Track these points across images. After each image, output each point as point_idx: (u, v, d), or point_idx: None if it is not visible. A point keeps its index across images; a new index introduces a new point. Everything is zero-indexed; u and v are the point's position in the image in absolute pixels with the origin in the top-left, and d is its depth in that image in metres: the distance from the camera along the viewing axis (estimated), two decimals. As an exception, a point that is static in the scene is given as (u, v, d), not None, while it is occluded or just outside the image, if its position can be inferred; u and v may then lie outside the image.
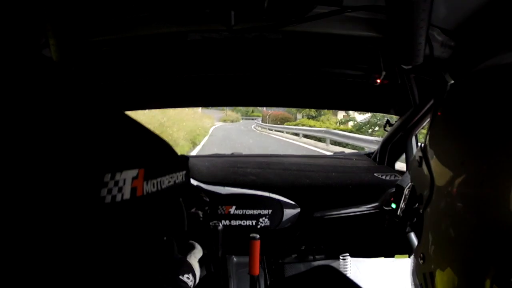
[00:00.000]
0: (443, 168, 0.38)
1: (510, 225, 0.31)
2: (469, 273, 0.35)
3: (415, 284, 0.45)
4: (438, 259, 0.39)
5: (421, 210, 0.43)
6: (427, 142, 0.42)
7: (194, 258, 0.70)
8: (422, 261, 0.42)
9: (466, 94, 0.40)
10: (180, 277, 0.61)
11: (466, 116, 0.37)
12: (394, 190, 1.11)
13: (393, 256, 1.13)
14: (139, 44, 0.96)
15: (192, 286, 0.64)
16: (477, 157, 0.34)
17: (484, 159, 0.33)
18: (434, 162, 0.40)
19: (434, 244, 0.40)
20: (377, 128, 11.78)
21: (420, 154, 0.44)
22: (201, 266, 0.70)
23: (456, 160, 0.36)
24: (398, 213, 1.08)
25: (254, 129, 21.52)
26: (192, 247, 0.73)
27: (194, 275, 0.66)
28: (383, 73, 1.02)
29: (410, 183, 1.07)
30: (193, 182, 1.17)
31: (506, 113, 0.33)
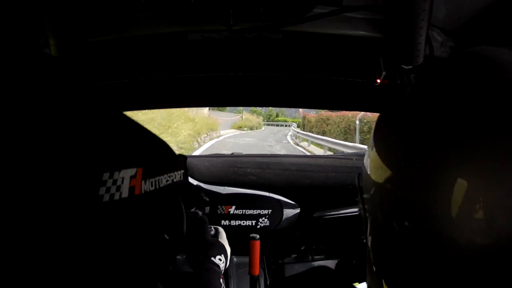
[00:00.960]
0: (380, 163, 0.33)
1: (444, 234, 0.25)
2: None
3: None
4: (369, 275, 0.37)
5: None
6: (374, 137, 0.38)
7: (224, 239, 0.70)
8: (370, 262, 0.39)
9: (415, 87, 0.37)
10: (212, 258, 0.61)
11: (409, 109, 0.33)
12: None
13: None
14: (139, 44, 0.96)
15: (223, 268, 0.64)
16: (416, 156, 0.28)
17: (425, 159, 0.27)
18: (372, 154, 0.35)
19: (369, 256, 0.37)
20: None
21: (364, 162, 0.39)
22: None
23: (393, 157, 0.32)
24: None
25: (294, 145, 12.82)
26: (217, 230, 0.73)
27: (226, 256, 0.66)
28: (383, 73, 1.02)
29: None
30: (193, 182, 1.17)
31: (450, 112, 0.27)
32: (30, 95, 0.25)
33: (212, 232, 0.73)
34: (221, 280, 0.61)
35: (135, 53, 1.06)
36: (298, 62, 1.18)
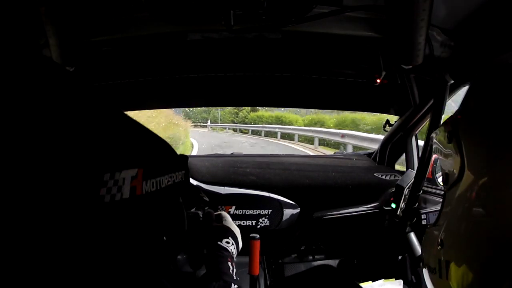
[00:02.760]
0: (473, 160, 0.36)
1: None
2: (485, 277, 0.33)
3: (426, 265, 0.43)
4: (456, 252, 0.37)
5: (446, 189, 0.41)
6: (458, 120, 0.40)
7: (229, 222, 0.68)
8: (440, 247, 0.40)
9: (486, 95, 0.38)
10: (219, 243, 0.60)
11: (489, 118, 0.36)
12: (394, 190, 1.12)
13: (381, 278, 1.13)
14: (139, 44, 0.96)
15: (234, 249, 0.62)
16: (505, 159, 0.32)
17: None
18: (466, 148, 0.37)
19: (453, 234, 0.38)
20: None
21: (450, 128, 0.40)
22: (198, 264, 0.69)
23: (483, 159, 0.35)
24: (398, 213, 1.08)
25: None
26: (220, 215, 0.71)
27: (235, 238, 0.64)
28: (383, 73, 1.02)
29: (410, 182, 1.07)
30: (193, 182, 1.17)
31: None
32: (31, 97, 0.25)
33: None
34: (229, 263, 0.59)
35: (135, 53, 1.06)
36: (298, 62, 1.18)
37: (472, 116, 0.38)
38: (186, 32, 0.88)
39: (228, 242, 0.62)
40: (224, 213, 0.72)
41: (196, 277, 0.66)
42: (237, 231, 0.67)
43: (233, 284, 0.55)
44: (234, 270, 0.59)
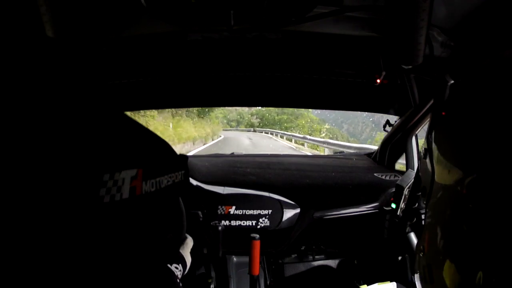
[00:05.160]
0: (447, 165, 0.38)
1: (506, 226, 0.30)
2: (462, 269, 0.35)
3: (419, 277, 0.46)
4: (435, 253, 0.40)
5: (423, 202, 0.45)
6: (431, 138, 0.43)
7: (187, 248, 0.69)
8: (422, 253, 0.43)
9: (469, 95, 0.40)
10: (168, 265, 0.61)
11: (469, 117, 0.37)
12: (394, 190, 1.11)
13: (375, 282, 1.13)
14: (139, 44, 0.96)
15: (179, 276, 0.64)
16: (479, 158, 0.33)
17: (486, 160, 0.33)
18: (436, 157, 0.40)
19: (431, 240, 0.41)
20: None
21: (426, 146, 0.44)
22: (199, 263, 0.69)
23: (459, 160, 0.36)
24: (398, 213, 1.08)
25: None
26: (184, 238, 0.71)
27: (184, 266, 0.65)
28: (383, 73, 1.02)
29: (410, 182, 1.07)
30: (193, 182, 1.17)
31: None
32: (31, 97, 0.25)
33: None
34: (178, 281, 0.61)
35: (135, 53, 1.06)
36: (298, 62, 1.18)
37: (450, 138, 0.41)
38: (186, 32, 0.88)
39: (177, 268, 0.63)
40: (188, 240, 0.73)
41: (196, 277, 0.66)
42: (188, 261, 0.68)
43: None
44: None
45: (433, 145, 0.42)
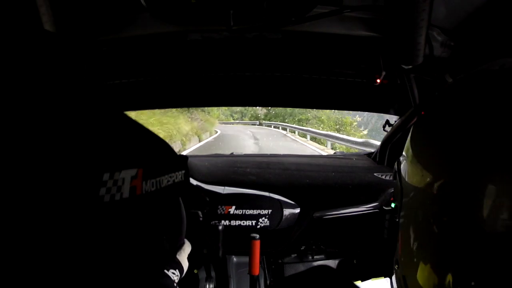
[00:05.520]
0: (423, 169, 0.38)
1: (480, 232, 0.31)
2: (433, 276, 0.36)
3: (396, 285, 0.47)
4: (408, 264, 0.41)
5: (397, 219, 0.47)
6: (406, 145, 0.44)
7: (184, 254, 0.69)
8: (397, 266, 0.45)
9: (449, 97, 0.40)
10: (165, 271, 0.61)
11: (448, 120, 0.37)
12: (394, 190, 1.11)
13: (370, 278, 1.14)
14: (139, 44, 0.96)
15: (176, 281, 0.64)
16: (454, 162, 0.33)
17: (461, 164, 0.33)
18: (413, 162, 0.41)
19: (404, 250, 0.42)
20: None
21: (396, 167, 0.46)
22: (198, 264, 0.69)
23: (433, 163, 0.37)
24: (398, 213, 1.08)
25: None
26: (182, 244, 0.71)
27: (180, 271, 0.66)
28: (383, 73, 1.02)
29: None
30: (193, 182, 1.17)
31: (489, 120, 0.32)
32: (31, 97, 0.25)
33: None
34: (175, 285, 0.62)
35: (135, 53, 1.06)
36: (298, 62, 1.18)
37: (425, 138, 0.41)
38: (186, 32, 0.88)
39: (174, 273, 0.63)
40: (186, 246, 0.72)
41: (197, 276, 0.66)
42: (185, 266, 0.68)
43: None
44: None
45: (409, 144, 0.42)
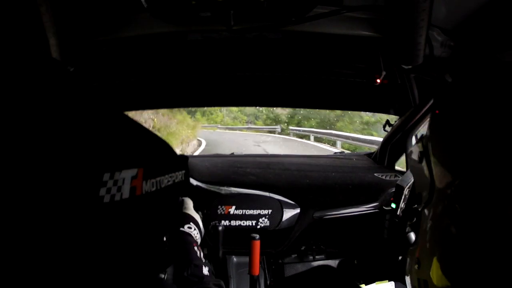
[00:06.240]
0: (442, 169, 0.36)
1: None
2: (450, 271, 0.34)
3: (410, 284, 0.45)
4: (433, 270, 0.38)
5: (419, 209, 0.41)
6: (427, 139, 0.40)
7: (189, 207, 0.68)
8: (417, 266, 0.41)
9: (465, 94, 0.39)
10: (181, 229, 0.60)
11: (464, 116, 0.36)
12: (394, 190, 1.11)
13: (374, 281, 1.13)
14: (139, 44, 0.96)
15: (198, 234, 0.62)
16: (475, 159, 0.32)
17: (482, 161, 0.31)
18: (434, 161, 0.38)
19: (430, 252, 0.39)
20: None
21: (421, 149, 0.41)
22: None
23: (455, 162, 0.35)
24: (398, 213, 1.08)
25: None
26: (182, 201, 0.71)
27: (196, 223, 0.65)
28: (383, 73, 1.02)
29: (410, 182, 1.07)
30: (193, 182, 1.17)
31: (506, 115, 0.31)
32: (31, 97, 0.25)
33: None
34: (195, 247, 0.59)
35: (136, 53, 1.06)
36: (298, 62, 1.18)
37: (441, 138, 0.39)
38: (186, 32, 0.88)
39: (190, 228, 0.61)
40: (186, 199, 0.71)
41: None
42: (197, 217, 0.67)
43: (203, 266, 0.55)
44: (202, 253, 0.59)
45: (429, 145, 0.39)
